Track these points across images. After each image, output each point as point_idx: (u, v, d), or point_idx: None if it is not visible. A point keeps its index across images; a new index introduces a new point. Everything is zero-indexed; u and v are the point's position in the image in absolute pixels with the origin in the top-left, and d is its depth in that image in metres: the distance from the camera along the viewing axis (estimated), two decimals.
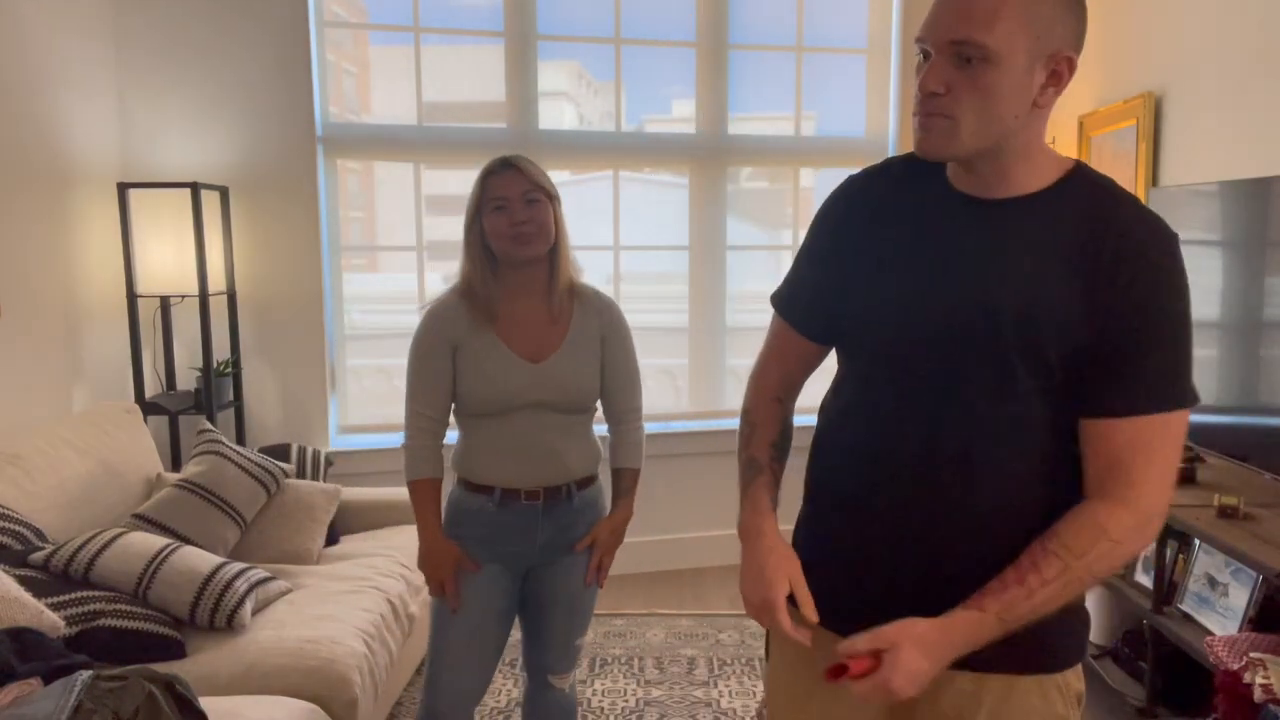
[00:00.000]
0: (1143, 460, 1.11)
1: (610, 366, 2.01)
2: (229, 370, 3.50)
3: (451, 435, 2.01)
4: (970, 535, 1.17)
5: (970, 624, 1.10)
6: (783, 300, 1.37)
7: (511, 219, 1.87)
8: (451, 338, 1.92)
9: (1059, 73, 1.09)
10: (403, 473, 1.98)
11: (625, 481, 2.07)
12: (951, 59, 1.07)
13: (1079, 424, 1.15)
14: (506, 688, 2.97)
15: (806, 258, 1.35)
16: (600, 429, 2.06)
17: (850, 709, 1.24)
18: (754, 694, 2.96)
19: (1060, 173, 1.17)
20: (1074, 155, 3.97)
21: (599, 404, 2.04)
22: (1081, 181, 1.16)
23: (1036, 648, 1.18)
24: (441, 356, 1.93)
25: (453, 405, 1.98)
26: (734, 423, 1.45)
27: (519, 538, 1.96)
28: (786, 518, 1.32)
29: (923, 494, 1.18)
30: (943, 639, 1.09)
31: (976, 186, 1.18)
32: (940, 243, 1.18)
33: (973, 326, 1.14)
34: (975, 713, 1.20)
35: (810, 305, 1.33)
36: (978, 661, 1.15)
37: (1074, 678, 1.23)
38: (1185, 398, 1.12)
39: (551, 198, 1.93)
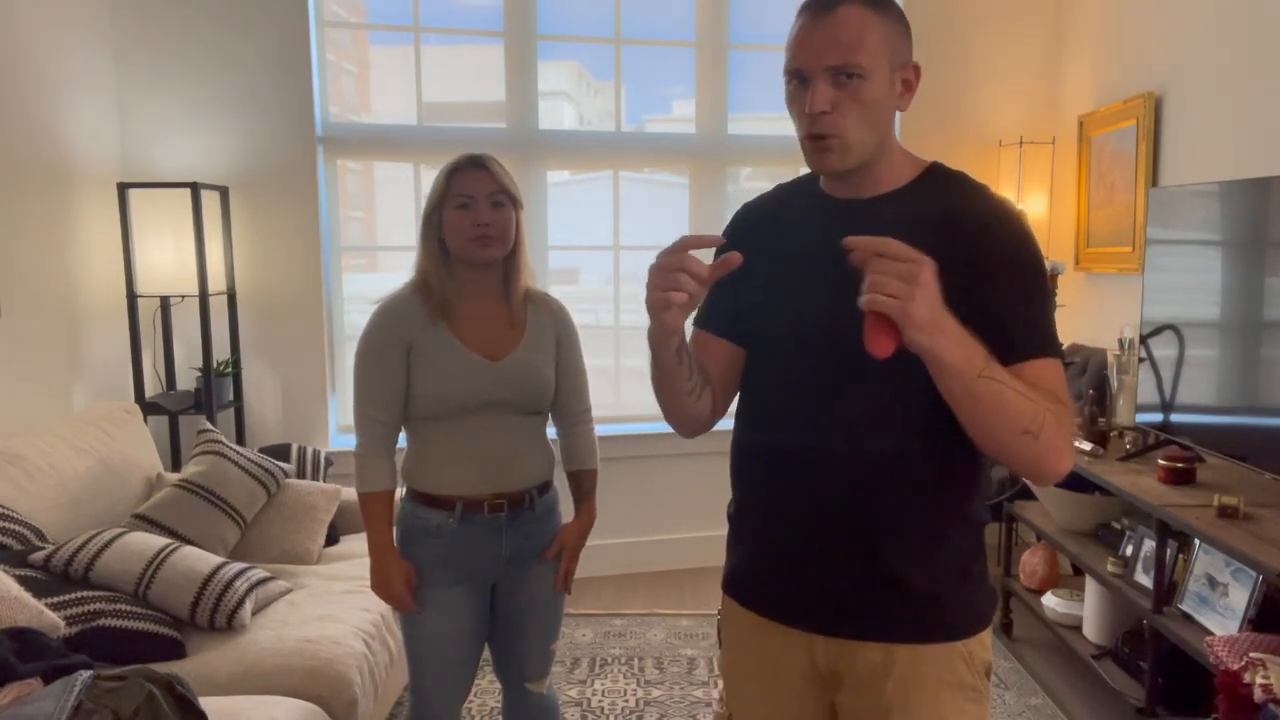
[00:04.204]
0: (1058, 390, 1.23)
1: (564, 368, 1.98)
2: (229, 370, 3.50)
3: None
4: (873, 510, 1.28)
5: (967, 338, 1.11)
6: (707, 317, 1.47)
7: (475, 219, 1.83)
8: (406, 336, 1.85)
9: (909, 80, 1.28)
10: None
11: (586, 484, 2.04)
12: (830, 82, 1.22)
13: None
14: (496, 688, 2.97)
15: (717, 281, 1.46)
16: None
17: (791, 684, 1.38)
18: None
19: (918, 170, 1.32)
20: (1074, 156, 3.99)
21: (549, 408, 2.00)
22: (938, 177, 1.32)
23: (937, 617, 1.30)
24: (395, 355, 1.85)
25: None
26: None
27: (484, 554, 1.90)
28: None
29: (826, 478, 1.29)
30: (946, 313, 1.09)
31: (848, 190, 1.32)
32: (821, 247, 1.29)
33: (855, 322, 1.24)
34: (885, 680, 1.30)
35: (723, 312, 1.45)
36: (885, 632, 1.29)
37: (978, 647, 1.33)
38: (1059, 350, 1.27)
39: (516, 203, 1.89)
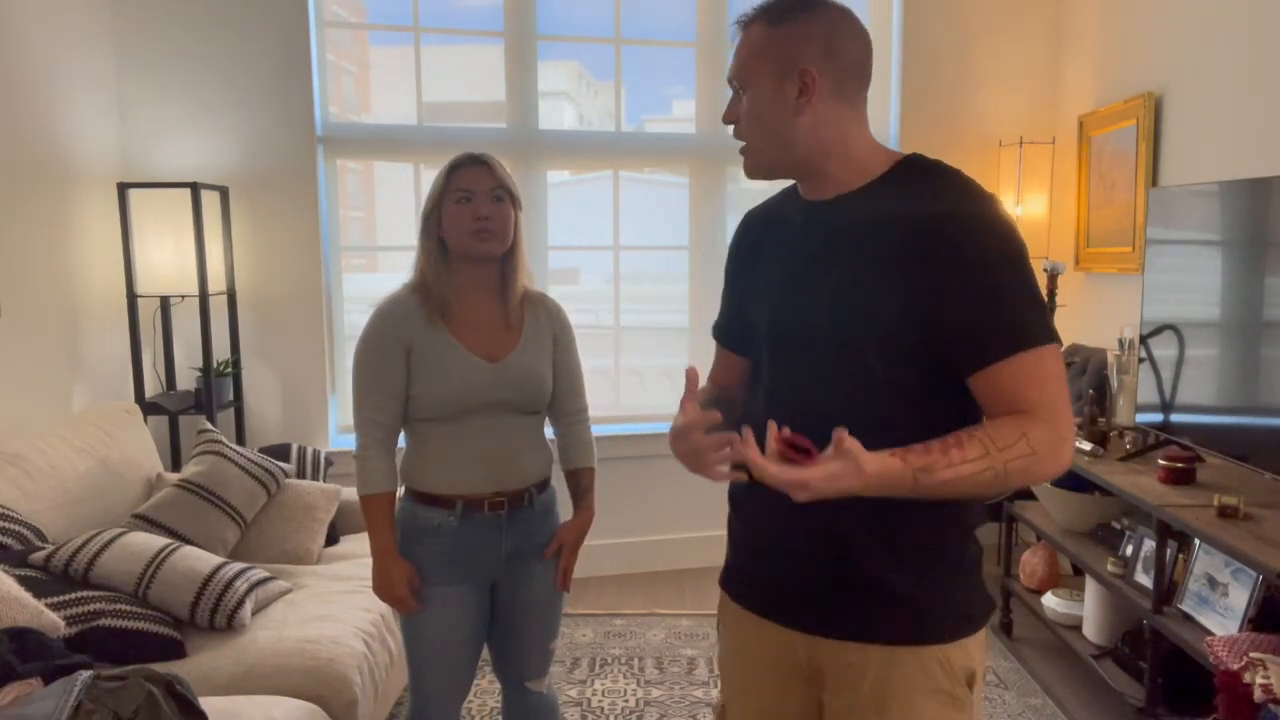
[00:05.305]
0: (1034, 390, 1.18)
1: (560, 368, 1.98)
2: (229, 370, 3.50)
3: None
4: (845, 509, 1.23)
5: (890, 467, 1.13)
6: (717, 329, 1.57)
7: (475, 213, 1.84)
8: (405, 337, 1.86)
9: (806, 83, 1.26)
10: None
11: (584, 482, 2.04)
12: (737, 96, 1.33)
13: (967, 382, 1.23)
14: (496, 688, 2.97)
15: (726, 288, 1.55)
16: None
17: (780, 679, 1.40)
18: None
19: (887, 166, 1.30)
20: (1074, 156, 3.98)
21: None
22: (909, 172, 1.29)
23: (914, 620, 1.28)
24: (395, 356, 1.86)
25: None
26: None
27: (484, 552, 1.90)
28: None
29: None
30: (867, 466, 1.12)
31: (813, 192, 1.35)
32: (794, 247, 1.36)
33: (825, 321, 1.29)
34: (862, 680, 1.29)
35: (732, 326, 1.52)
36: (860, 632, 1.29)
37: (957, 653, 1.29)
38: (1048, 335, 1.21)
39: (515, 200, 1.90)
